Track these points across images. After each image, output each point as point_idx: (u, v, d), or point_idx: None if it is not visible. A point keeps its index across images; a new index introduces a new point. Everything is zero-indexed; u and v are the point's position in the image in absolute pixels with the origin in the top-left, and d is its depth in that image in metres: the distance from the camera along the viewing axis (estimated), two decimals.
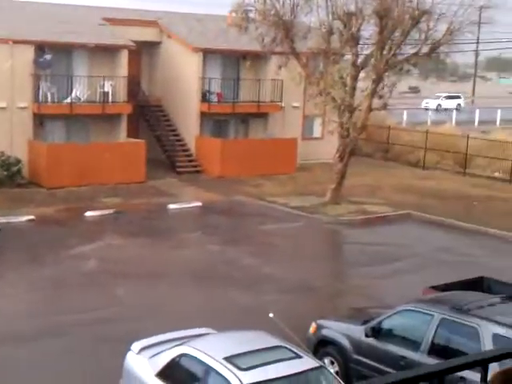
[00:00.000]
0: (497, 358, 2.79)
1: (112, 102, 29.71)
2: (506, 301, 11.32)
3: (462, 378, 7.92)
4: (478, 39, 44.99)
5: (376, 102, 26.20)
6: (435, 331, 10.83)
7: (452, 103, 70.99)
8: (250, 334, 10.48)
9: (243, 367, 9.07)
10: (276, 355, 9.44)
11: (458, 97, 74.23)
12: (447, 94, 75.05)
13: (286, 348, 9.68)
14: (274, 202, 26.63)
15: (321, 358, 11.72)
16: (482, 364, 2.76)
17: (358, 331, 11.90)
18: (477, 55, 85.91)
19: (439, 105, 69.83)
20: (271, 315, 11.19)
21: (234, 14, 26.66)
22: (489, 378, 2.88)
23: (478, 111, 55.58)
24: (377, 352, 11.48)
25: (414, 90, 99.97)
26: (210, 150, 31.66)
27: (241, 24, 26.22)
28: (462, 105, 71.14)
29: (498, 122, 55.12)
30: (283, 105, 33.97)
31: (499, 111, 56.08)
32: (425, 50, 25.72)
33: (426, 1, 25.08)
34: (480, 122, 53.64)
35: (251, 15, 26.67)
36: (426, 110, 60.85)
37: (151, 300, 16.16)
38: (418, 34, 25.52)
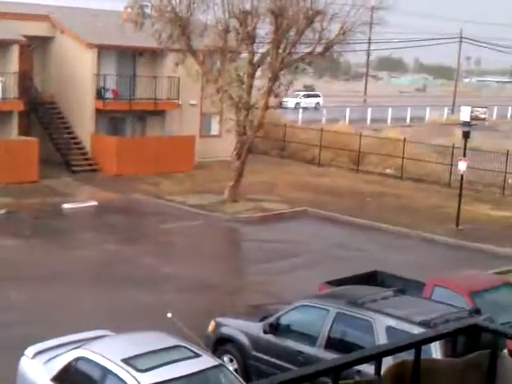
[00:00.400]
0: (390, 352, 2.87)
1: (2, 98, 28.67)
2: (398, 294, 11.68)
3: (359, 372, 8.11)
4: (369, 39, 46.25)
5: (272, 100, 26.49)
6: (331, 325, 11.05)
7: (311, 101, 70.70)
8: (149, 335, 10.38)
9: (141, 368, 8.99)
10: (175, 355, 9.40)
11: (317, 95, 74.14)
12: (305, 93, 74.57)
13: (184, 347, 9.65)
14: (173, 200, 26.48)
15: (220, 356, 11.74)
16: (375, 358, 2.83)
17: (256, 328, 11.99)
18: (368, 55, 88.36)
19: (298, 103, 67.90)
20: (169, 315, 11.14)
21: (129, 10, 26.30)
22: (382, 371, 2.95)
23: (370, 110, 57.16)
24: (275, 348, 11.61)
25: (309, 88, 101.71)
26: (106, 148, 31.11)
27: (136, 20, 25.90)
28: (321, 103, 70.94)
29: (389, 121, 56.90)
30: (180, 102, 33.81)
31: (390, 110, 57.90)
32: (319, 49, 26.23)
33: (319, 1, 25.59)
34: (372, 121, 55.21)
35: (147, 11, 26.39)
36: (285, 108, 59.29)
37: (46, 302, 15.72)
38: (313, 34, 25.99)
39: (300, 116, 49.66)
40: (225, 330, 12.48)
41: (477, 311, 10.93)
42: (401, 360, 3.02)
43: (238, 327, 12.34)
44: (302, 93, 72.96)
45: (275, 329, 11.68)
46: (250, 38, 25.58)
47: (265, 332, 11.77)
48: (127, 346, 9.88)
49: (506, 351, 10.64)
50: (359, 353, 2.77)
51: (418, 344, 2.93)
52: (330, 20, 25.73)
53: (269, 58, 25.93)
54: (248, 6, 25.43)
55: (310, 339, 11.27)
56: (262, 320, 12.06)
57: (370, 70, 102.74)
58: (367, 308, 10.85)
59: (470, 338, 3.83)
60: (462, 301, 12.24)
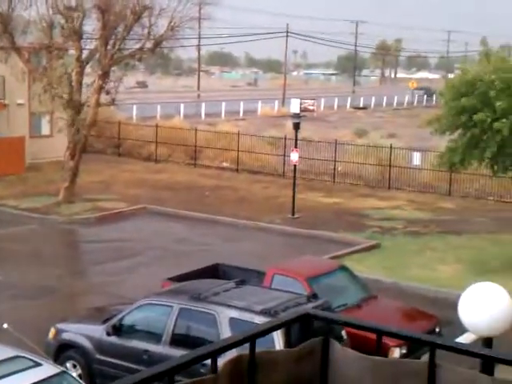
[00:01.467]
0: (224, 349, 2.90)
1: None
2: (239, 285, 11.88)
3: (204, 365, 8.17)
4: (199, 35, 46.54)
5: (104, 98, 26.01)
6: (175, 322, 11.06)
7: None
8: None
9: None
10: (13, 366, 9.06)
11: None
12: None
13: (23, 357, 9.33)
14: (3, 204, 25.31)
15: (62, 363, 11.43)
16: (210, 357, 2.85)
17: (98, 331, 11.77)
18: (199, 50, 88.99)
19: None
20: (5, 325, 10.69)
21: None
22: (219, 368, 2.98)
23: (204, 104, 57.60)
24: (119, 349, 11.45)
25: (142, 84, 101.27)
26: None
27: None
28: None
29: (223, 115, 57.63)
30: (7, 102, 32.39)
31: (223, 104, 58.64)
32: (149, 45, 26.06)
33: None
34: (206, 115, 55.65)
35: None
36: None
37: None
38: (141, 30, 25.79)
39: (134, 112, 49.09)
40: (66, 336, 12.15)
41: (314, 296, 11.35)
42: (237, 355, 3.06)
43: (80, 331, 12.05)
44: None
45: (118, 330, 11.52)
46: (77, 35, 24.93)
47: (108, 334, 11.58)
48: None
49: (343, 332, 11.07)
50: (193, 353, 2.77)
51: (252, 337, 2.98)
52: (157, 15, 25.66)
53: (98, 55, 25.42)
54: (73, 2, 24.77)
55: (155, 337, 11.22)
56: (104, 322, 11.85)
57: (201, 66, 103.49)
58: (210, 301, 10.96)
59: (304, 326, 3.96)
60: (300, 287, 12.65)
